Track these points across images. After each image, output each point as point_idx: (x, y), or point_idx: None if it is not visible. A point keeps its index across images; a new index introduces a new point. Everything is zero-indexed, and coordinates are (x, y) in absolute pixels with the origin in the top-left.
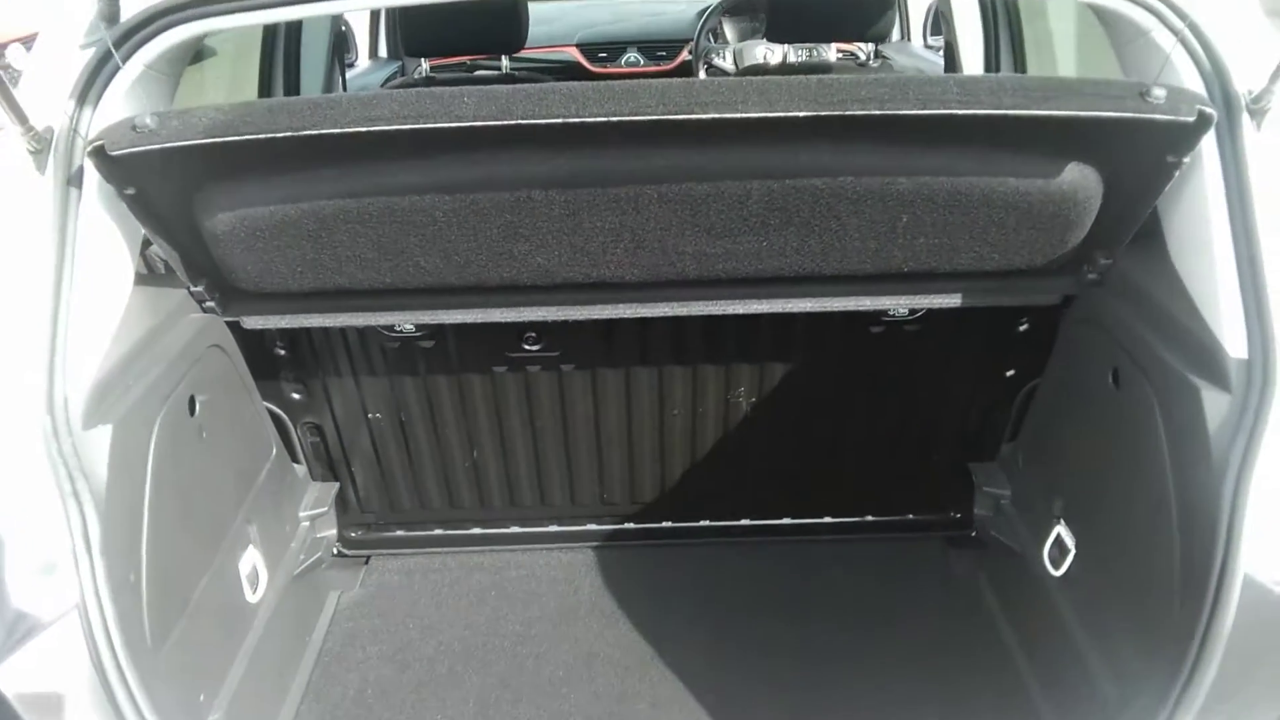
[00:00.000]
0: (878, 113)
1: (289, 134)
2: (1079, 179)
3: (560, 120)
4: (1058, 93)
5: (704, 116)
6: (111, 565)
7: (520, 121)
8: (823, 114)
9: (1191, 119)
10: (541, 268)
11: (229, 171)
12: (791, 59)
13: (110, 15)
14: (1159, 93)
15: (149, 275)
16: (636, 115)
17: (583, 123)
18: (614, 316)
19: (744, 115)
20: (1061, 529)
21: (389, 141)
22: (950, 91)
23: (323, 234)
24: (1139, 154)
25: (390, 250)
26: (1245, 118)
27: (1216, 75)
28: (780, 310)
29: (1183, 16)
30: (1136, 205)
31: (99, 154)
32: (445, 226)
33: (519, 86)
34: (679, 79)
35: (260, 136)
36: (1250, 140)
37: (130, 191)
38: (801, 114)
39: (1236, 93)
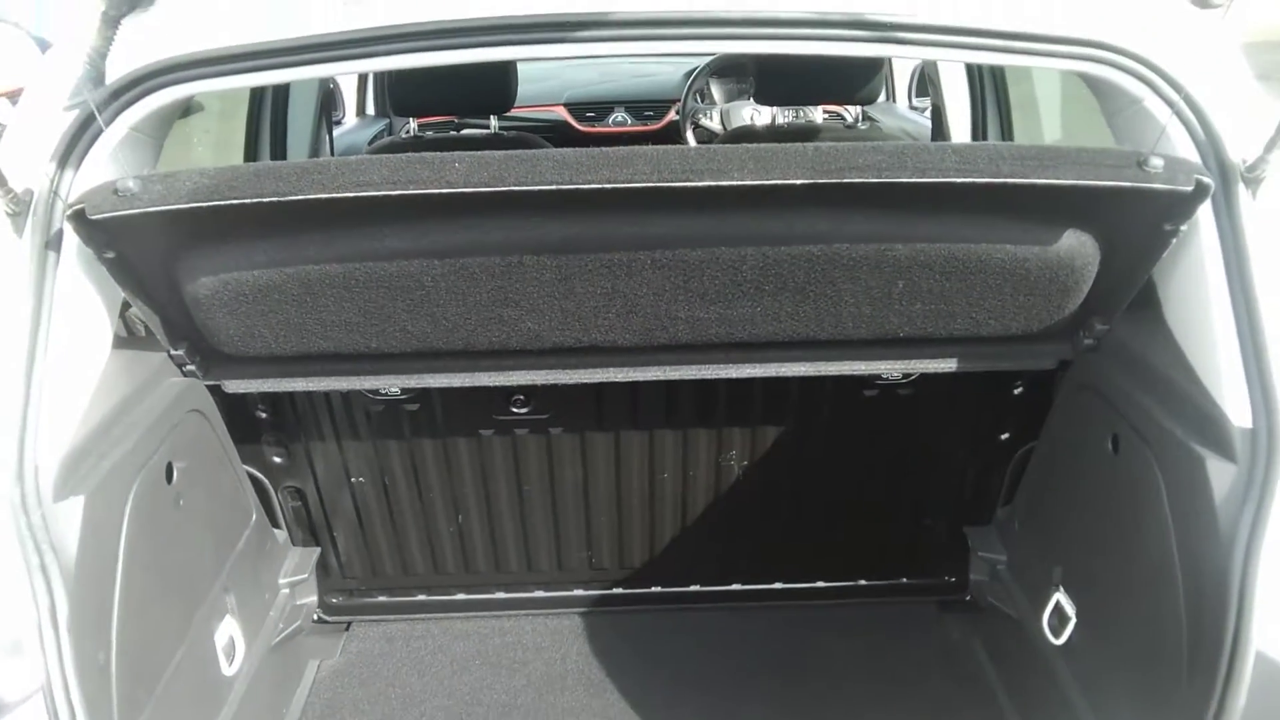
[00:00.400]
0: (875, 180)
1: (275, 199)
2: (1076, 246)
3: (554, 187)
4: (1056, 161)
5: (699, 184)
6: (80, 645)
7: (513, 188)
8: (820, 182)
9: (1190, 188)
10: (532, 332)
11: (213, 236)
12: (779, 121)
13: (96, 77)
14: (1157, 162)
15: (128, 338)
16: (631, 182)
17: (577, 189)
18: (605, 380)
19: (740, 183)
20: (1061, 596)
21: (377, 207)
22: (948, 159)
23: (308, 299)
24: (1136, 222)
25: (376, 315)
26: (1241, 187)
27: (1211, 144)
28: (774, 374)
29: (1178, 88)
30: (1133, 272)
31: (79, 217)
32: (433, 291)
33: (511, 153)
34: (673, 146)
35: (246, 201)
36: (1247, 209)
37: (110, 255)
38: (799, 182)
39: (1232, 162)
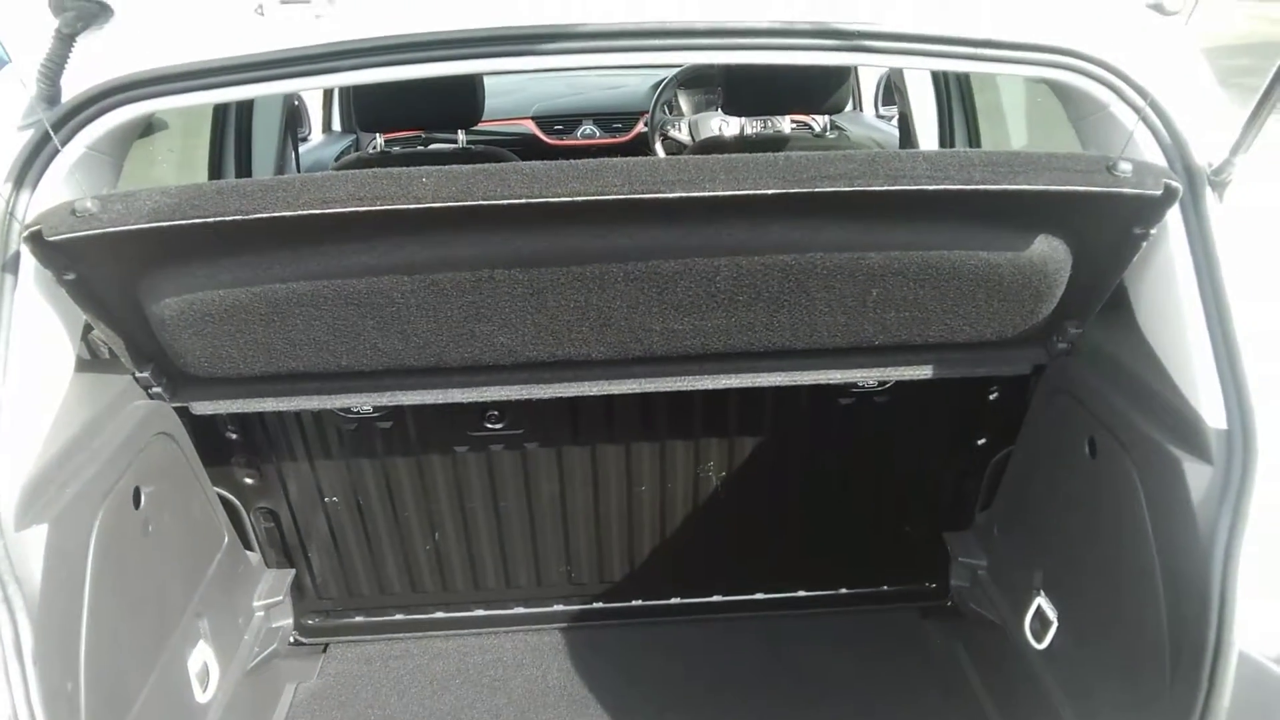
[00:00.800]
0: (848, 189)
1: (240, 217)
2: (1048, 251)
3: (524, 201)
4: (1026, 167)
5: (671, 196)
6: (46, 676)
7: (482, 203)
8: (792, 191)
9: (1158, 192)
10: (504, 347)
11: (176, 256)
12: (747, 131)
13: (50, 96)
14: (1125, 167)
15: (91, 360)
16: (602, 195)
17: (547, 203)
18: (579, 394)
19: (712, 194)
20: (1042, 600)
21: (344, 223)
22: (920, 167)
23: (275, 318)
24: (1107, 226)
25: (346, 333)
26: (1208, 190)
27: (1178, 149)
28: (749, 385)
29: (1143, 94)
30: (1105, 276)
31: (36, 239)
32: (404, 308)
33: (479, 167)
34: (644, 157)
35: (209, 220)
36: (1214, 212)
37: (70, 277)
38: (770, 191)
39: (1198, 165)
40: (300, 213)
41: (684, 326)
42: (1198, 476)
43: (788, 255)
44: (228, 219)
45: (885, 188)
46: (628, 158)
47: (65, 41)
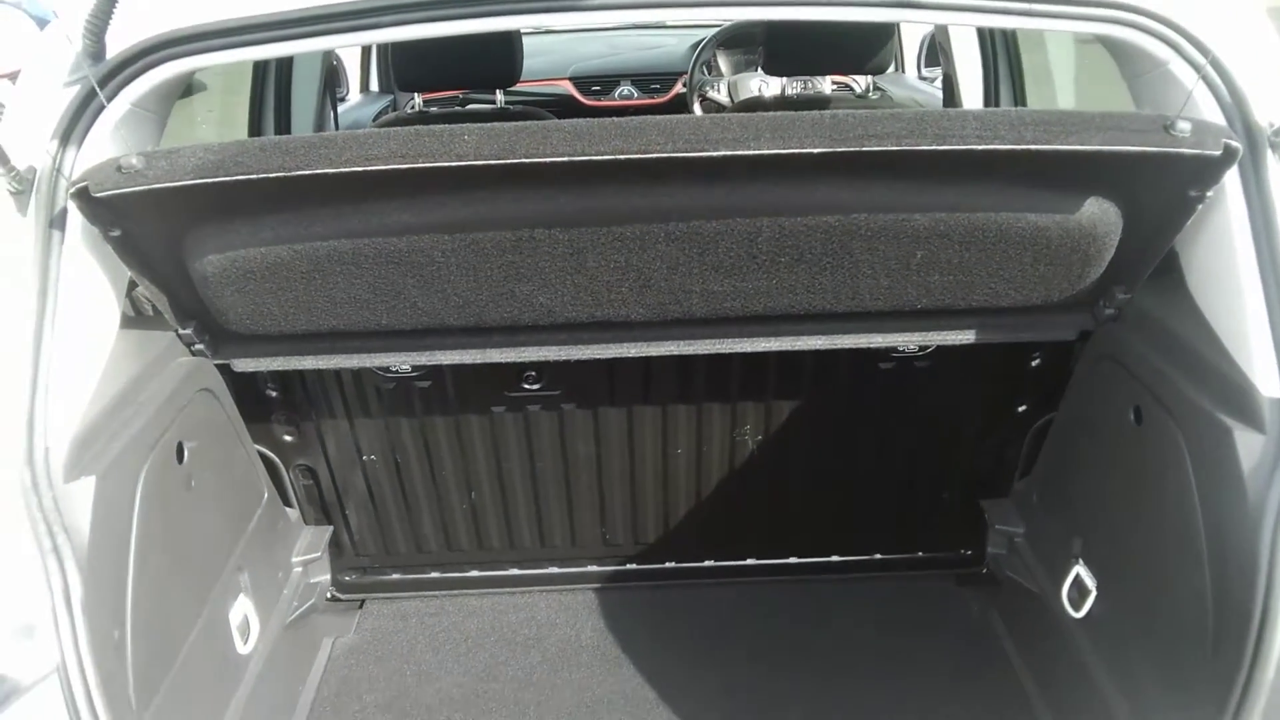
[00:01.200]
0: (895, 149)
1: (282, 174)
2: (1099, 214)
3: (565, 159)
4: (1080, 127)
5: (715, 154)
6: (94, 624)
7: (524, 160)
8: (839, 150)
9: (1218, 153)
10: (544, 307)
11: (219, 213)
12: (788, 92)
13: (95, 52)
14: (1184, 126)
15: (135, 318)
16: (645, 153)
17: (589, 161)
18: (618, 355)
19: (757, 153)
20: (1081, 569)
21: (386, 181)
22: (969, 126)
23: (316, 276)
24: (1161, 188)
25: (386, 292)
26: (1269, 151)
27: (1238, 108)
28: (789, 348)
29: (1204, 51)
30: (1157, 240)
31: (83, 195)
32: (444, 267)
33: (521, 125)
34: (687, 115)
35: (253, 177)
36: (1275, 174)
37: (116, 233)
38: (816, 150)
39: (1260, 125)
40: (344, 170)
41: (724, 288)
42: (1249, 445)
43: (831, 216)
44: (271, 175)
45: (933, 147)
46: (670, 117)
47: None
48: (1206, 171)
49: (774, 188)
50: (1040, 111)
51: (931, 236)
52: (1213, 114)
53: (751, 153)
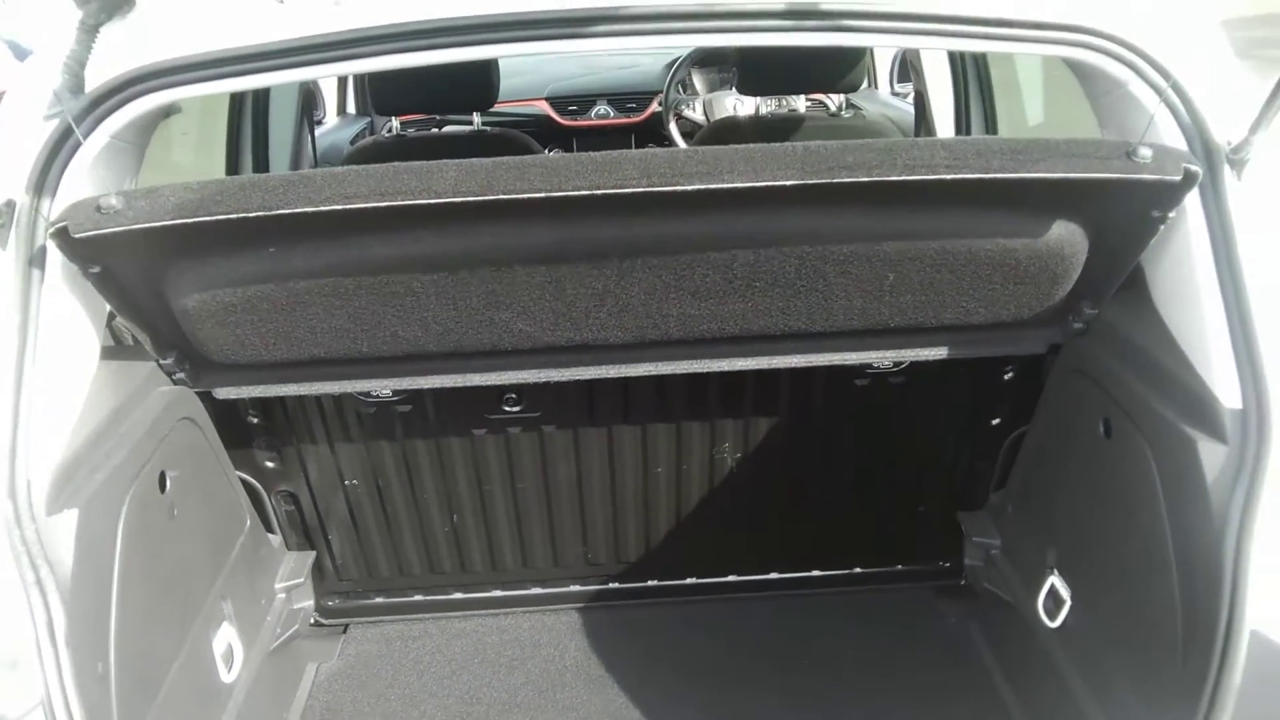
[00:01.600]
0: (865, 180)
1: (262, 213)
2: (1065, 236)
3: (543, 194)
4: (1045, 154)
5: (689, 189)
6: (78, 657)
7: (502, 197)
8: (810, 183)
9: (1178, 178)
10: (523, 333)
11: (199, 250)
12: (762, 111)
13: (75, 86)
14: (1145, 152)
15: (116, 348)
16: (620, 187)
17: (566, 196)
18: (597, 377)
19: (730, 186)
20: (1055, 579)
21: (366, 218)
22: (938, 155)
23: (296, 308)
24: (1125, 210)
25: (367, 322)
26: (1226, 169)
27: (1197, 129)
28: (765, 367)
29: (1165, 74)
30: (1122, 258)
31: (62, 235)
32: (424, 297)
33: (499, 160)
34: (661, 150)
35: (232, 217)
36: (1232, 191)
37: (95, 270)
38: (789, 183)
39: (1217, 144)
40: (322, 209)
41: (701, 311)
42: (1212, 456)
43: (805, 244)
44: (251, 215)
45: (903, 178)
46: (645, 151)
47: (89, 33)
48: (1168, 194)
49: (748, 217)
50: (1007, 141)
51: (903, 260)
52: (1172, 133)
53: (725, 186)
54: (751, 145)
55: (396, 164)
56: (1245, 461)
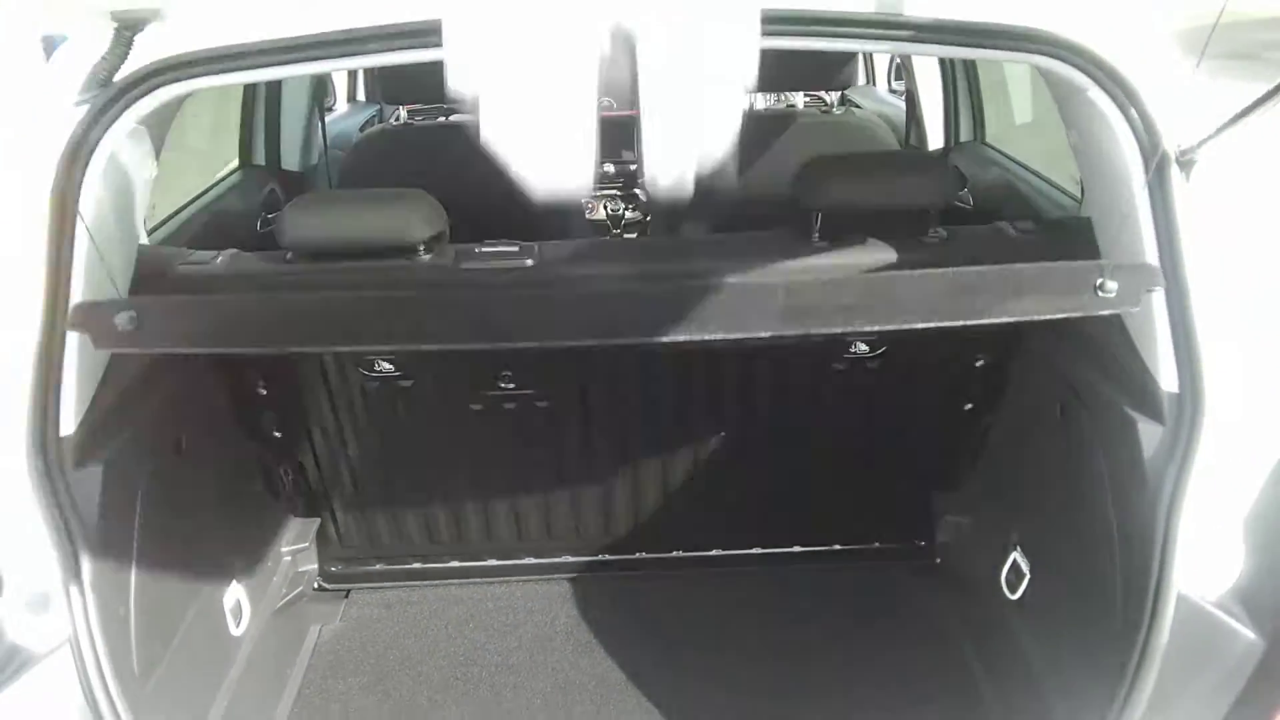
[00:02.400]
0: (839, 331)
1: (275, 351)
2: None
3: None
4: (1014, 292)
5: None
6: (102, 600)
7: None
8: (786, 333)
9: (1137, 309)
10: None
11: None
12: (759, 106)
13: (104, 80)
14: (1111, 286)
15: None
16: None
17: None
18: (585, 352)
19: (711, 337)
20: (1018, 555)
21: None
22: (916, 309)
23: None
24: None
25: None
26: (1174, 170)
27: (1147, 131)
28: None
29: (1120, 82)
30: None
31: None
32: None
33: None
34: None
35: (248, 352)
36: (1179, 191)
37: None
38: (764, 334)
39: (1166, 151)
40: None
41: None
42: (1150, 435)
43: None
44: (267, 352)
45: (878, 327)
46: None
47: (125, 41)
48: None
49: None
50: (978, 278)
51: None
52: (1124, 135)
53: (702, 344)
54: (726, 297)
55: None
56: (1179, 440)
